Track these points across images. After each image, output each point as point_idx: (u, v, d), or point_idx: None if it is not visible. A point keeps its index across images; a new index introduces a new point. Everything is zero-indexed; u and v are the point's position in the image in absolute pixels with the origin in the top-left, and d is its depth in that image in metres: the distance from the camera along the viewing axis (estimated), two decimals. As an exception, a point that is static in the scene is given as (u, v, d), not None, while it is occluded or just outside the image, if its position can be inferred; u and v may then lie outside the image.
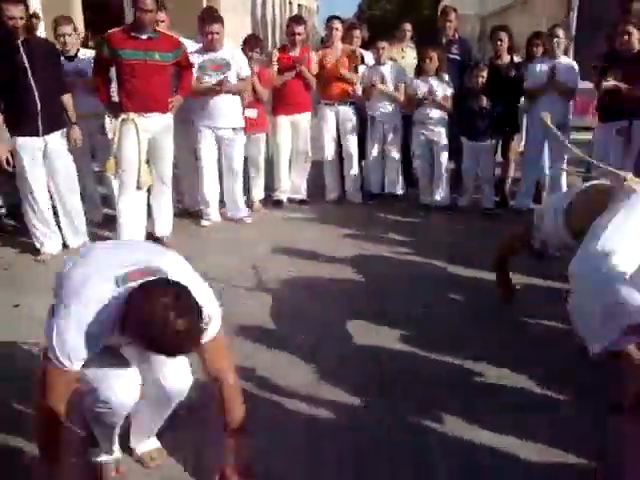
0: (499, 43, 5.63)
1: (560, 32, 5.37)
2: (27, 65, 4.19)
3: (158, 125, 4.56)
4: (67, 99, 4.50)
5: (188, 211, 5.54)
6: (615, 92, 4.77)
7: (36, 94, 4.24)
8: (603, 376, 2.74)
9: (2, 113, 4.27)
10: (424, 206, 5.72)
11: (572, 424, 2.56)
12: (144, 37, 4.37)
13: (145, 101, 4.44)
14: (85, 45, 6.28)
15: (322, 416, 2.63)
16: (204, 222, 5.30)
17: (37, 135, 4.35)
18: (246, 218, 5.41)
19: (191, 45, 5.02)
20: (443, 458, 2.38)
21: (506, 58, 5.65)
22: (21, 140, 4.33)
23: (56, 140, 4.46)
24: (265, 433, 2.48)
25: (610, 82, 4.73)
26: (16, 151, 4.33)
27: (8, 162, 4.30)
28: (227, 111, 5.12)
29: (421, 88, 5.51)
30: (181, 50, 4.61)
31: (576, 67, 5.40)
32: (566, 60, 5.48)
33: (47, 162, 4.47)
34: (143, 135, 4.46)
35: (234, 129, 5.20)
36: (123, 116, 4.42)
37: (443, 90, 5.49)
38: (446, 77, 5.52)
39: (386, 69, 5.71)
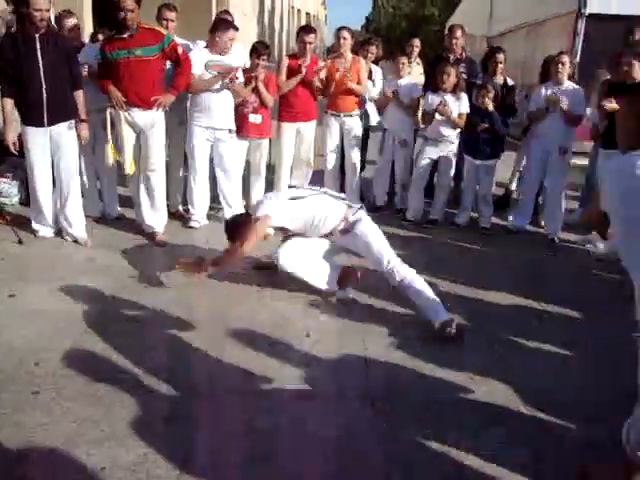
0: (497, 64, 5.69)
1: (565, 58, 5.43)
2: (39, 58, 4.26)
3: (144, 120, 4.63)
4: (79, 95, 4.53)
5: (175, 213, 5.49)
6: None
7: (44, 86, 4.30)
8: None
9: (14, 99, 4.38)
10: (428, 221, 5.76)
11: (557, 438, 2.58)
12: (125, 36, 4.45)
13: (130, 97, 4.55)
14: (94, 41, 6.29)
15: (311, 423, 2.64)
16: (193, 224, 5.28)
17: (42, 126, 4.42)
18: None
19: (199, 45, 5.07)
20: (431, 468, 2.39)
21: (500, 79, 5.71)
22: (28, 129, 4.45)
23: (61, 132, 4.49)
24: (253, 440, 2.49)
25: (612, 104, 4.80)
26: (25, 138, 4.49)
27: (15, 145, 4.49)
28: (222, 112, 5.11)
29: (435, 104, 5.47)
30: (167, 42, 4.60)
31: (582, 93, 5.46)
32: (571, 86, 5.54)
33: (52, 153, 4.54)
34: (128, 130, 4.66)
35: (229, 130, 5.21)
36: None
37: (458, 108, 5.49)
38: (463, 95, 5.49)
39: (402, 83, 5.77)
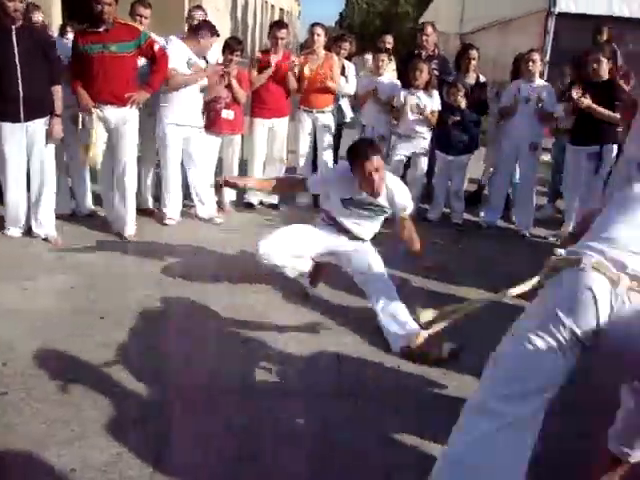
0: (469, 61, 5.74)
1: (536, 56, 5.51)
2: (16, 52, 4.17)
3: (117, 117, 4.57)
4: (57, 90, 4.43)
5: (147, 210, 5.45)
6: (587, 118, 4.93)
7: (20, 81, 4.21)
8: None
9: None
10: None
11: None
12: (101, 30, 4.38)
13: (103, 93, 4.47)
14: (63, 34, 6.20)
15: (288, 420, 2.63)
16: (167, 221, 5.23)
17: (19, 121, 4.32)
18: (216, 218, 5.38)
19: (177, 41, 5.02)
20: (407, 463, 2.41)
21: (472, 76, 5.77)
22: (3, 125, 4.34)
23: (37, 128, 4.40)
24: (227, 438, 2.49)
25: (586, 100, 4.88)
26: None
27: None
28: (192, 109, 5.09)
29: (409, 101, 5.51)
30: (143, 39, 4.54)
31: (552, 90, 5.54)
32: (542, 83, 5.61)
33: (27, 149, 4.45)
34: (101, 125, 4.56)
35: (199, 128, 5.19)
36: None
37: (430, 104, 5.52)
38: (435, 93, 5.54)
39: (383, 81, 5.78)
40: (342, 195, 3.62)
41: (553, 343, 1.77)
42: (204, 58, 5.15)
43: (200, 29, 5.02)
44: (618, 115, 4.81)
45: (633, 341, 1.74)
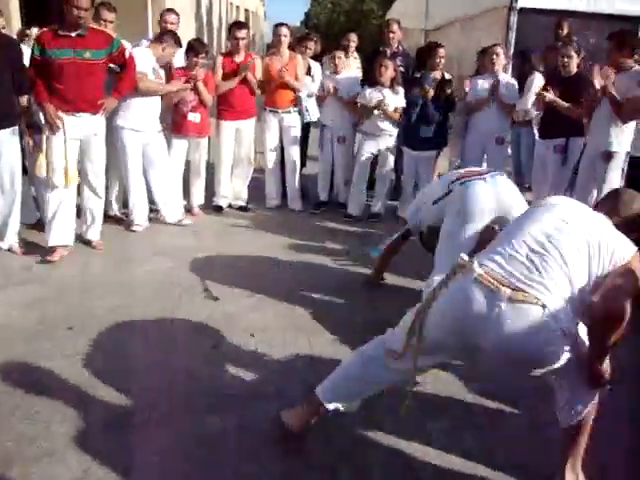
0: (439, 59, 5.77)
1: (499, 50, 5.57)
2: None
3: (88, 126, 4.43)
4: (24, 100, 4.31)
5: (116, 217, 5.36)
6: (553, 112, 4.99)
7: None
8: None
9: None
10: (371, 215, 5.79)
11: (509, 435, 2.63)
12: (73, 35, 4.22)
13: (75, 101, 4.31)
14: (23, 39, 6.06)
15: (259, 424, 2.61)
16: (135, 227, 5.14)
17: None
18: (183, 221, 5.32)
19: (144, 44, 5.00)
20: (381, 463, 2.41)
21: (438, 74, 5.80)
22: None
23: (4, 138, 4.27)
24: (198, 444, 2.45)
25: (550, 95, 4.94)
26: None
27: None
28: (150, 113, 5.02)
29: (374, 98, 5.50)
30: (116, 46, 4.44)
31: (515, 84, 5.61)
32: (506, 77, 5.67)
33: None
34: (72, 135, 4.35)
35: (158, 132, 5.12)
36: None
37: (395, 101, 5.53)
38: (400, 90, 5.54)
39: (342, 79, 5.77)
40: None
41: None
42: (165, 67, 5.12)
43: (164, 38, 4.96)
44: (581, 109, 4.88)
45: (511, 343, 1.97)
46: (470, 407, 2.83)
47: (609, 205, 2.33)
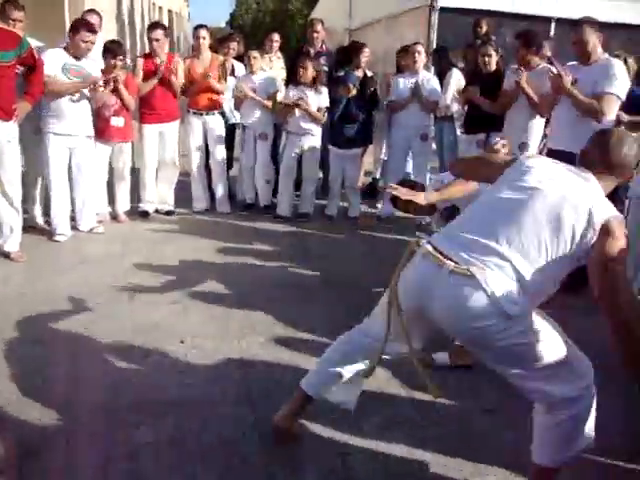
0: (362, 58, 5.84)
1: (420, 48, 5.69)
2: None
3: (1, 134, 4.22)
4: None
5: (38, 227, 5.16)
6: (475, 108, 5.15)
7: None
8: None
9: None
10: (299, 215, 5.78)
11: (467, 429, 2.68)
12: None
13: None
14: None
15: (193, 437, 2.56)
16: (58, 237, 4.94)
17: None
18: (96, 228, 5.18)
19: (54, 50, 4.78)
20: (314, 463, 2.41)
21: (360, 72, 5.87)
22: None
23: None
24: (131, 457, 2.39)
25: (470, 93, 5.10)
26: None
27: None
28: (79, 117, 4.87)
29: (295, 97, 5.51)
30: (25, 47, 4.24)
31: (437, 81, 5.74)
32: (427, 75, 5.79)
33: None
34: None
35: (87, 137, 4.98)
36: None
37: (318, 101, 5.54)
38: (323, 89, 5.56)
39: (257, 78, 5.72)
40: None
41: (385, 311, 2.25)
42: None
43: (72, 30, 4.75)
44: (498, 105, 5.06)
45: (449, 314, 2.04)
46: (403, 401, 2.86)
47: (597, 153, 2.19)
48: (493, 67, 5.25)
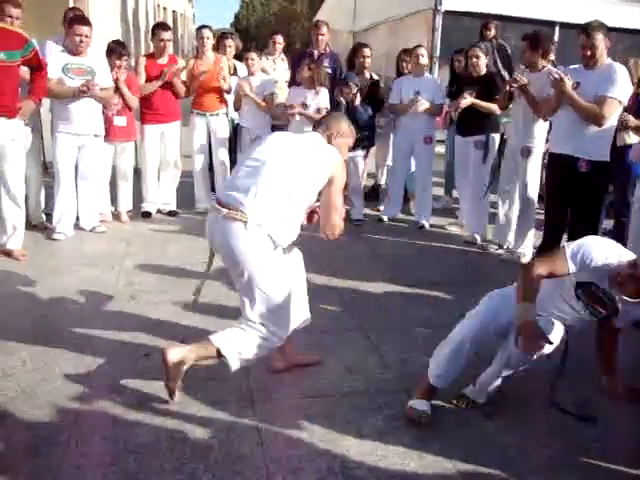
0: (364, 59, 5.83)
1: (422, 51, 5.66)
2: None
3: (5, 131, 4.25)
4: None
5: (40, 225, 5.18)
6: (471, 110, 5.12)
7: None
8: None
9: None
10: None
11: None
12: None
13: None
14: None
15: (190, 434, 2.56)
16: (57, 236, 4.95)
17: None
18: (98, 227, 5.19)
19: (53, 46, 4.76)
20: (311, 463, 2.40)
21: (366, 74, 5.86)
22: None
23: None
24: (130, 458, 2.39)
25: (468, 100, 5.06)
26: None
27: None
28: (88, 116, 4.88)
29: (295, 100, 5.52)
30: (30, 47, 4.26)
31: (439, 84, 5.72)
32: (430, 77, 5.78)
33: None
34: None
35: (95, 135, 4.99)
36: None
37: (317, 103, 5.54)
38: (324, 90, 5.56)
39: (255, 80, 5.73)
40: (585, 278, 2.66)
41: None
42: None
43: (69, 27, 4.73)
44: (497, 107, 5.05)
45: (225, 248, 2.72)
46: (402, 403, 2.86)
47: (322, 128, 3.08)
48: (482, 69, 5.20)
